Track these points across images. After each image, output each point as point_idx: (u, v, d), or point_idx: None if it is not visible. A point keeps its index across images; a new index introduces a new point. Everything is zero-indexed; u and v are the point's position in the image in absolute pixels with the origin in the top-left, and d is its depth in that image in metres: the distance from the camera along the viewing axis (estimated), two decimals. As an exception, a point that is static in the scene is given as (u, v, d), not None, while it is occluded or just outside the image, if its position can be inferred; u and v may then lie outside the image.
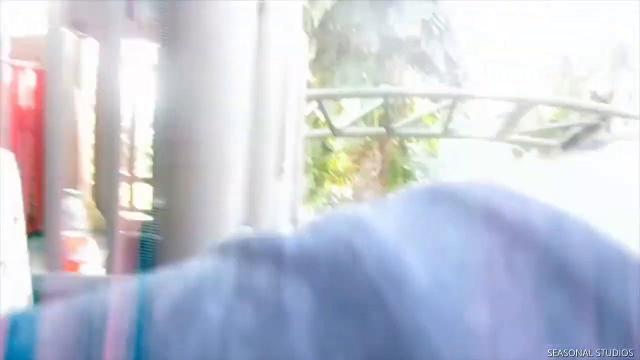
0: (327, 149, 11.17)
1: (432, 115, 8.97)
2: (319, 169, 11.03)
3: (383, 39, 10.15)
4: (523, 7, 12.50)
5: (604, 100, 11.14)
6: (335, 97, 8.94)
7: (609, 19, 11.67)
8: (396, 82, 10.35)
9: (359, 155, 11.20)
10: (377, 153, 10.98)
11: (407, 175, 10.99)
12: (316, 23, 10.12)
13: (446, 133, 7.22)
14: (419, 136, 9.94)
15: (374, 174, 11.02)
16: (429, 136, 9.62)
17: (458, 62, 10.27)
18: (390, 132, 7.56)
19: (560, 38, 12.39)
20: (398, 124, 7.85)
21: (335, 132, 7.69)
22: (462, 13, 10.46)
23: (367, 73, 10.35)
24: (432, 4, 9.70)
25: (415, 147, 11.17)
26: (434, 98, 9.05)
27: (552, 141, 7.89)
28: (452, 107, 6.93)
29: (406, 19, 9.61)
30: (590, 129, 8.65)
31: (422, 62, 10.50)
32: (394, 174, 11.05)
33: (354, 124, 7.92)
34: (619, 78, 11.35)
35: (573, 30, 12.10)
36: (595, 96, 10.63)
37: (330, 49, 10.77)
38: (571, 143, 8.90)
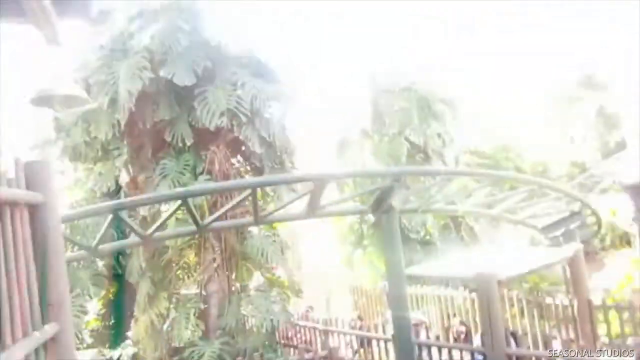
0: (165, 248, 10.73)
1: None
2: (156, 271, 10.50)
3: (195, 132, 10.10)
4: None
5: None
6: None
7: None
8: (217, 171, 10.30)
9: (198, 249, 10.87)
10: (216, 243, 10.73)
11: (247, 260, 10.82)
12: (123, 124, 9.83)
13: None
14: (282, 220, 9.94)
15: (215, 264, 10.71)
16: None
17: (274, 142, 10.43)
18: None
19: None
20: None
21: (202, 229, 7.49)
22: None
23: (187, 165, 10.17)
24: (233, 92, 9.82)
25: (255, 230, 11.06)
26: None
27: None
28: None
29: (212, 110, 9.62)
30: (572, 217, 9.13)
31: (238, 148, 10.57)
32: (235, 261, 10.83)
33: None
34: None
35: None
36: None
37: (145, 146, 10.51)
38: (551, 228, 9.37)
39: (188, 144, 10.07)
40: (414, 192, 8.89)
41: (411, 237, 13.76)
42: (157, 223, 7.63)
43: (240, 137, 10.08)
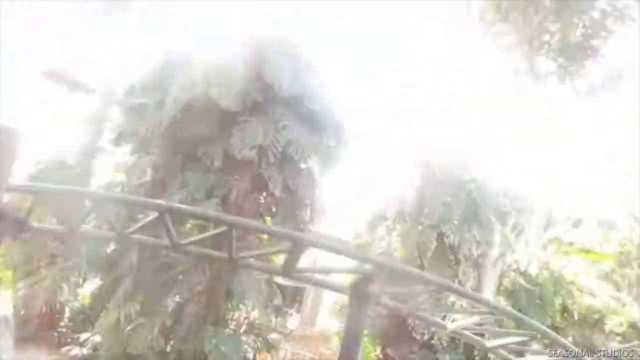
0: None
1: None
2: (142, 272, 10.52)
3: (226, 156, 10.21)
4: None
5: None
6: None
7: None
8: (232, 200, 10.31)
9: (189, 266, 10.80)
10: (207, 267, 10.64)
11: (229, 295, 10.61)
12: (163, 127, 10.15)
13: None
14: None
15: (199, 288, 10.60)
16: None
17: (296, 192, 10.33)
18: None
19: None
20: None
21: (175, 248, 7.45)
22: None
23: (208, 186, 10.27)
24: (274, 130, 9.89)
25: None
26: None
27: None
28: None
29: (245, 141, 9.72)
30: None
31: (261, 186, 10.54)
32: (218, 292, 10.66)
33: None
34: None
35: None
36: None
37: (177, 154, 10.77)
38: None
39: (216, 165, 10.21)
40: (397, 292, 8.35)
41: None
42: (137, 225, 7.63)
43: (265, 176, 10.08)
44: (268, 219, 10.91)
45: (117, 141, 11.60)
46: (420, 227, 13.63)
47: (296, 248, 6.96)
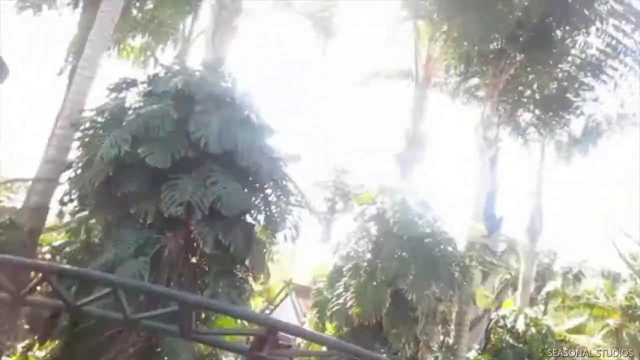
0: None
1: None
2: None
3: (159, 214, 10.13)
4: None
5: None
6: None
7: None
8: (164, 259, 10.14)
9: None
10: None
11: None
12: (95, 185, 10.15)
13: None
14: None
15: (132, 350, 10.25)
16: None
17: (231, 248, 10.14)
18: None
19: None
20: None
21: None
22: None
23: (138, 244, 10.13)
24: (203, 187, 9.83)
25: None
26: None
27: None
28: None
29: (173, 198, 9.66)
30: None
31: (192, 243, 10.39)
32: None
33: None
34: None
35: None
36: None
37: (112, 212, 10.71)
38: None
39: (149, 222, 10.13)
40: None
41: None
42: (89, 298, 7.50)
43: (194, 233, 9.95)
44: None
45: (62, 201, 11.58)
46: (374, 283, 13.29)
47: (184, 309, 6.76)
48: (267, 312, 19.98)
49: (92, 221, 11.01)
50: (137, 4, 22.57)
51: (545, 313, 39.99)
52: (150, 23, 21.48)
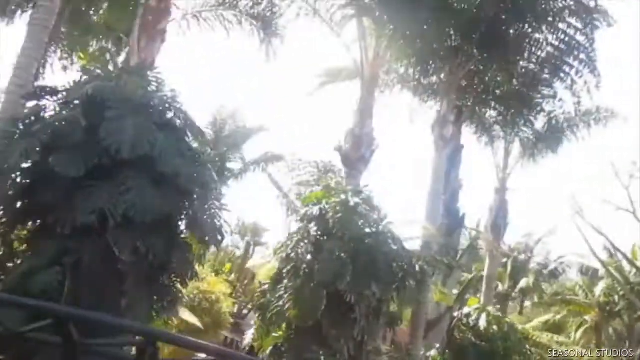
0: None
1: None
2: None
3: (76, 223, 10.02)
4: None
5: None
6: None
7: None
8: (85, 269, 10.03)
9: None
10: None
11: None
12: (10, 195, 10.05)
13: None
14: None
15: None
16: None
17: (149, 255, 10.05)
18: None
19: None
20: None
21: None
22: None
23: (53, 254, 10.02)
24: (117, 195, 9.74)
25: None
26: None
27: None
28: None
29: (86, 206, 9.57)
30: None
31: (110, 250, 10.28)
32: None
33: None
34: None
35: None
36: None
37: (27, 222, 10.63)
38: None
39: (65, 232, 10.02)
40: None
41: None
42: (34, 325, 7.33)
43: (110, 240, 9.85)
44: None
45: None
46: (312, 285, 13.24)
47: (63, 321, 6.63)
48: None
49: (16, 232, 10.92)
50: (92, 10, 22.49)
51: (521, 310, 40.11)
52: (103, 28, 21.43)
